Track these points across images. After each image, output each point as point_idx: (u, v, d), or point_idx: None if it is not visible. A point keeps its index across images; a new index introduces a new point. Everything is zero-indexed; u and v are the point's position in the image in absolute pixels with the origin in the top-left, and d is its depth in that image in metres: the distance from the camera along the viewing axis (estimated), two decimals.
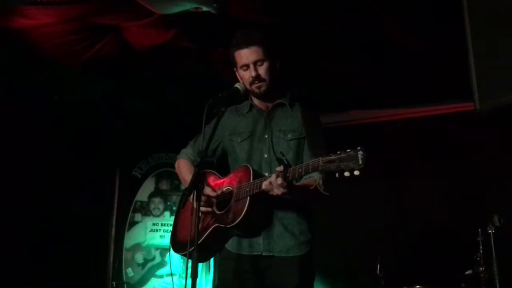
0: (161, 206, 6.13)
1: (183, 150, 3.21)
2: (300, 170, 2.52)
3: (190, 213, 2.76)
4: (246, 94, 2.98)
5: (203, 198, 2.78)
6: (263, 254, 2.78)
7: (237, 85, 2.89)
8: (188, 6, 4.04)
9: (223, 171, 3.06)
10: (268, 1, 4.15)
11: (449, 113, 5.36)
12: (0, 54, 4.61)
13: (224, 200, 2.86)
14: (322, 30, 4.50)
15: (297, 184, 2.67)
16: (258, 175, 2.75)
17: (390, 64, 4.89)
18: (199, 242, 2.73)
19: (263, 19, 4.24)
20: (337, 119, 5.85)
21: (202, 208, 2.84)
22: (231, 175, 2.95)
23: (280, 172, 2.52)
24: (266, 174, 2.77)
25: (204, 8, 4.06)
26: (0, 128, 4.84)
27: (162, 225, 6.04)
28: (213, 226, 2.83)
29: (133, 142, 5.99)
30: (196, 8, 4.07)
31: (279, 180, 2.51)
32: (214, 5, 4.02)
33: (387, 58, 4.81)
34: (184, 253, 2.91)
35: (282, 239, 2.78)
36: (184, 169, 3.13)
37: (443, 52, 4.50)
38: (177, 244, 3.05)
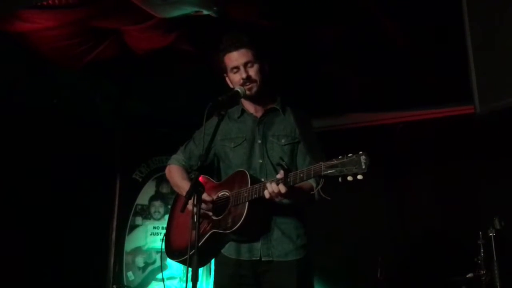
0: (161, 210, 6.12)
1: (174, 156, 3.20)
2: (301, 175, 2.52)
3: (186, 219, 2.77)
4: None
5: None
6: (262, 259, 2.78)
7: (237, 88, 2.88)
8: (189, 10, 4.04)
9: (215, 177, 3.05)
10: (268, 5, 4.15)
11: (449, 116, 5.35)
12: (0, 57, 4.61)
13: (221, 205, 2.84)
14: (322, 33, 4.50)
15: (295, 186, 2.65)
16: (256, 180, 2.75)
17: (390, 67, 4.89)
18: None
19: (263, 23, 4.24)
20: (337, 122, 5.86)
21: (203, 212, 2.83)
22: (226, 180, 2.94)
23: (280, 179, 2.52)
24: (262, 180, 2.77)
25: (205, 12, 4.06)
26: (0, 131, 4.84)
27: (162, 228, 6.01)
28: (211, 232, 2.82)
29: (134, 145, 5.99)
30: (197, 11, 4.07)
31: (282, 188, 2.52)
32: (215, 8, 4.03)
33: (387, 61, 4.81)
34: (180, 259, 2.93)
35: (281, 244, 2.79)
36: (176, 175, 3.11)
37: (444, 55, 4.50)
38: (173, 250, 3.03)
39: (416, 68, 4.84)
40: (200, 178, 2.94)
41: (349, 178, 2.34)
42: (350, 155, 2.36)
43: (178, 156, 3.18)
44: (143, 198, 6.08)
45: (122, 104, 5.87)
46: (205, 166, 3.00)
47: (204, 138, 2.75)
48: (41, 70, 4.98)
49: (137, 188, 6.08)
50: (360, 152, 2.34)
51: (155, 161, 6.18)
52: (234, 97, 2.86)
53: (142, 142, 6.01)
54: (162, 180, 6.16)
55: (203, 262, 3.09)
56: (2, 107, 4.87)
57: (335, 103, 5.52)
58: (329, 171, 2.39)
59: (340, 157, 2.38)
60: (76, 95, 5.46)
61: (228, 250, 2.87)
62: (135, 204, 6.02)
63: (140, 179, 6.10)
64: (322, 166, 2.42)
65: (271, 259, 2.77)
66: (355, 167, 2.32)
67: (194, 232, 2.59)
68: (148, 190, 6.12)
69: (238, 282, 2.80)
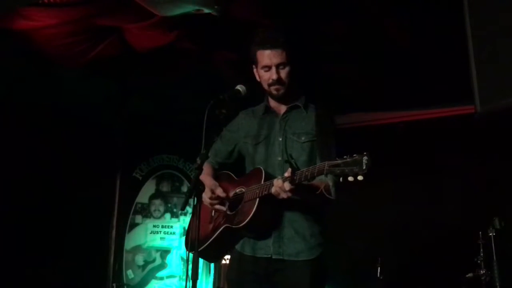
0: (161, 208, 6.13)
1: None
2: (307, 173, 2.52)
3: (206, 212, 2.89)
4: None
5: (215, 197, 2.88)
6: (273, 257, 2.77)
7: (238, 86, 2.86)
8: (190, 8, 4.04)
9: (241, 173, 3.08)
10: (270, 3, 4.16)
11: (450, 115, 5.36)
12: (2, 55, 4.61)
13: (236, 201, 2.89)
14: (323, 33, 4.50)
15: (306, 184, 2.63)
16: (270, 177, 2.75)
17: (391, 67, 4.89)
18: (209, 241, 2.85)
19: (264, 21, 4.24)
20: (338, 121, 5.83)
21: (216, 207, 2.90)
22: (245, 177, 2.97)
23: (287, 177, 2.53)
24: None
25: (206, 10, 4.06)
26: (1, 130, 4.85)
27: (162, 227, 6.04)
28: (223, 227, 2.86)
29: (134, 144, 6.00)
30: (198, 10, 4.07)
31: (286, 185, 2.54)
32: (216, 7, 4.03)
33: (389, 60, 4.81)
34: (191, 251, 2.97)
35: (292, 243, 2.77)
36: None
37: (444, 55, 4.50)
38: (189, 242, 3.07)
39: (417, 67, 4.85)
40: (224, 174, 3.08)
41: (350, 178, 2.34)
42: (354, 155, 2.36)
43: None
44: (143, 196, 6.10)
45: (123, 102, 5.88)
46: (226, 164, 3.12)
47: (205, 138, 2.74)
48: (42, 68, 4.98)
49: (137, 186, 6.10)
50: (364, 153, 2.34)
51: (156, 159, 6.20)
52: (235, 95, 2.84)
53: (142, 140, 6.02)
54: (162, 178, 6.19)
55: (217, 256, 3.20)
56: (3, 106, 4.87)
57: (335, 103, 5.51)
58: (332, 170, 2.40)
59: (344, 156, 2.38)
60: (77, 94, 5.47)
61: (241, 246, 2.88)
62: (135, 202, 6.03)
63: (140, 178, 6.11)
64: (326, 165, 2.42)
65: (281, 257, 2.76)
66: (356, 167, 2.32)
67: (210, 225, 2.82)
68: (148, 188, 6.13)
69: (248, 279, 2.80)
